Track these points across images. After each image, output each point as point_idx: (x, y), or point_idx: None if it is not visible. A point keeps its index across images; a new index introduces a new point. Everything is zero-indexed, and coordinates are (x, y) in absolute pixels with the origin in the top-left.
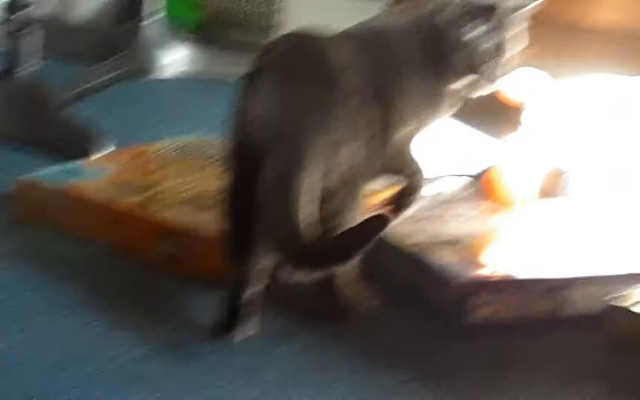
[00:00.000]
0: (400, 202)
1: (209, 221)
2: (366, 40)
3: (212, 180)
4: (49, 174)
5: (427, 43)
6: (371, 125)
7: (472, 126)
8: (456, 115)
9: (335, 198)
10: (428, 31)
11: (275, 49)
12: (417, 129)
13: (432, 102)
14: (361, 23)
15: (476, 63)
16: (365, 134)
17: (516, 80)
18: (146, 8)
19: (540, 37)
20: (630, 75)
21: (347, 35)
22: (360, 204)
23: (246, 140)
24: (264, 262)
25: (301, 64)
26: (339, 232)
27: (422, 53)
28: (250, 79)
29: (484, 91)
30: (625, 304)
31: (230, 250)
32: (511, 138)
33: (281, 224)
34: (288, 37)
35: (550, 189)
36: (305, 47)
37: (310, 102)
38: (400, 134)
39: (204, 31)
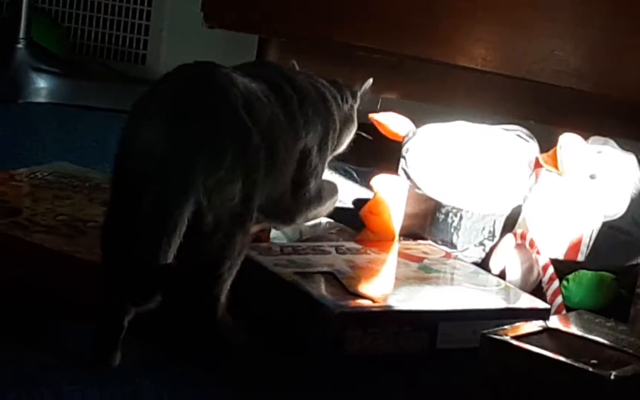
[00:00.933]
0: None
1: (82, 246)
2: (257, 81)
3: (80, 207)
4: None
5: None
6: (255, 168)
7: (351, 160)
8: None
9: (211, 238)
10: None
11: (170, 78)
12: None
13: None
14: (247, 64)
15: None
16: (249, 176)
17: (395, 118)
18: (15, 33)
19: (404, 77)
20: (501, 122)
21: (241, 73)
22: (237, 248)
23: (130, 166)
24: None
25: (194, 95)
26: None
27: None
28: (141, 105)
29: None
30: (504, 337)
31: (107, 277)
32: (392, 172)
33: (152, 254)
34: (184, 67)
35: (421, 226)
36: (200, 79)
37: (200, 136)
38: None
39: (72, 59)
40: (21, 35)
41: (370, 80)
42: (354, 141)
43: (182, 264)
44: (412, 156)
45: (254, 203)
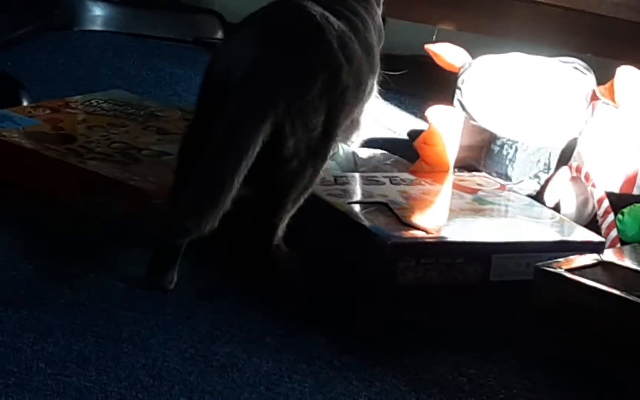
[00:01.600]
0: None
1: (137, 173)
2: (333, 13)
3: (135, 135)
4: None
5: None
6: (340, 107)
7: (408, 90)
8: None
9: (286, 164)
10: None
11: (267, 8)
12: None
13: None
14: None
15: None
16: (333, 113)
17: (450, 48)
18: None
19: (459, 8)
20: (557, 54)
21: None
22: (306, 181)
23: (215, 81)
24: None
25: (290, 23)
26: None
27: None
28: (235, 28)
29: None
30: (558, 270)
31: (174, 192)
32: (447, 103)
33: (223, 172)
34: (281, 1)
35: (476, 157)
36: (298, 11)
37: (290, 61)
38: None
39: None
40: None
41: None
42: (409, 72)
43: (249, 186)
44: (468, 87)
45: (331, 143)
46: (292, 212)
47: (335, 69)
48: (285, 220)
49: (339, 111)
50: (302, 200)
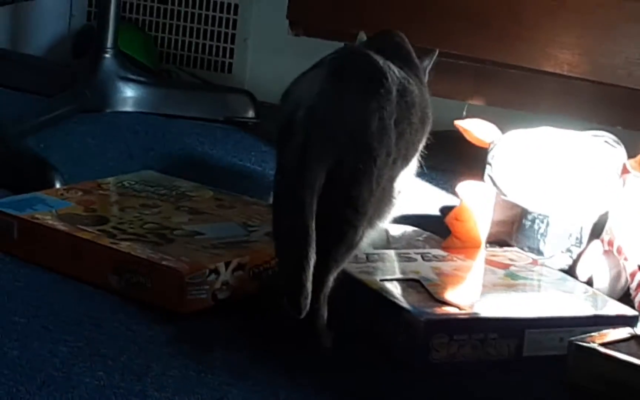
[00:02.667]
0: None
1: (171, 253)
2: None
3: (167, 215)
4: (6, 203)
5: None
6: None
7: (439, 166)
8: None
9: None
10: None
11: (334, 54)
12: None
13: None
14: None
15: None
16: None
17: (480, 124)
18: (103, 43)
19: (489, 83)
20: (587, 128)
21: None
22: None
23: (285, 116)
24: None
25: (355, 66)
26: None
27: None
28: (307, 72)
29: None
30: (591, 344)
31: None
32: (478, 179)
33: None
34: (347, 47)
35: (507, 233)
36: (363, 57)
37: (353, 99)
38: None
39: (161, 67)
40: (109, 44)
41: (436, 52)
42: (440, 147)
43: None
44: (498, 162)
45: (380, 186)
46: (338, 271)
47: (399, 114)
48: (332, 276)
49: (393, 156)
50: (345, 261)
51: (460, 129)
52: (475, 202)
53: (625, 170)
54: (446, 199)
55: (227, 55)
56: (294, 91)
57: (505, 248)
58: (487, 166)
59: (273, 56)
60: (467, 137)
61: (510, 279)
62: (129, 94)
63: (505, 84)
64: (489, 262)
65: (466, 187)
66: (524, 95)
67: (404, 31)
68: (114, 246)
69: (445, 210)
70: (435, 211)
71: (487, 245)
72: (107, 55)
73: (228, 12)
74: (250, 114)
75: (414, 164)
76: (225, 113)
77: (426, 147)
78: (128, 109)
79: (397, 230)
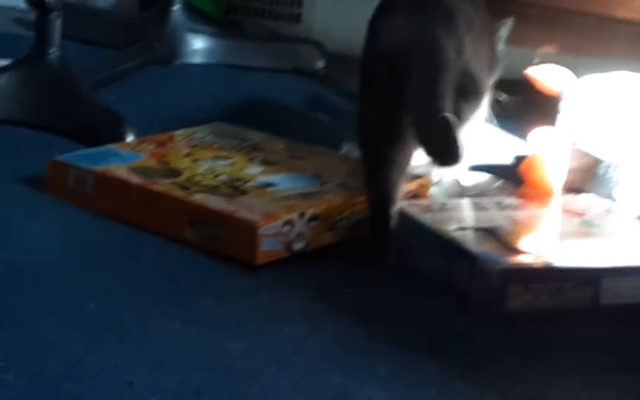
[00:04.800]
0: None
1: (244, 205)
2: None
3: (239, 167)
4: (81, 156)
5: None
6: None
7: (510, 117)
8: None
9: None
10: None
11: None
12: None
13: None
14: None
15: None
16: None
17: (552, 71)
18: None
19: (560, 30)
20: None
21: None
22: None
23: (384, 53)
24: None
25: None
26: None
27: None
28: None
29: None
30: None
31: (369, 165)
32: (550, 127)
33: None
34: None
35: (581, 181)
36: None
37: (440, 20)
38: None
39: (229, 18)
40: None
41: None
42: (513, 96)
43: None
44: (572, 109)
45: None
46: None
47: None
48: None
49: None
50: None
51: (530, 79)
52: (548, 150)
53: None
54: (520, 147)
55: (296, 5)
56: (385, 33)
57: (580, 195)
58: (561, 113)
59: (342, 6)
60: (537, 87)
61: (586, 227)
62: (198, 46)
63: (578, 30)
64: (563, 210)
65: (539, 135)
66: (597, 42)
67: None
68: (188, 199)
69: (519, 158)
70: (508, 160)
71: (562, 193)
72: (175, 8)
73: None
74: (319, 64)
75: (484, 104)
76: (294, 64)
77: (498, 95)
78: (197, 60)
79: (471, 179)
